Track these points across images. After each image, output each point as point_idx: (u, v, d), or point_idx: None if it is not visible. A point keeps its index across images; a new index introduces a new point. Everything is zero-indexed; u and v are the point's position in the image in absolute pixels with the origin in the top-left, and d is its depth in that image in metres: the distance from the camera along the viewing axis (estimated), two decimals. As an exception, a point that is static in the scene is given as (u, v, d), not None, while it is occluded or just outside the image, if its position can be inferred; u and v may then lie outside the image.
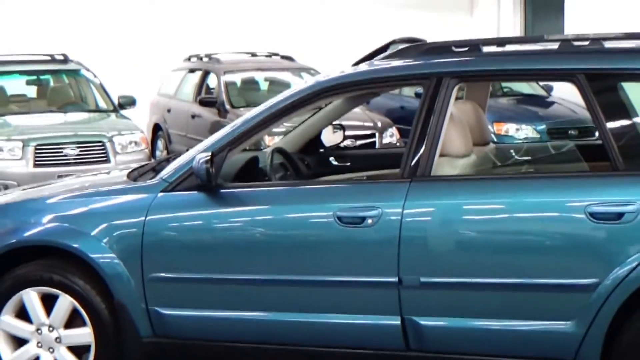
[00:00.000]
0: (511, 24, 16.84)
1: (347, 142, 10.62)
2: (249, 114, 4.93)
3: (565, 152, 5.90)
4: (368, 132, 11.44)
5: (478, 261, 4.27)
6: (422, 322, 4.31)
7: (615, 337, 4.08)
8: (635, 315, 4.03)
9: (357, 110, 11.49)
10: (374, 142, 11.40)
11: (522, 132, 11.79)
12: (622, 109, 4.43)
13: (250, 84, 13.15)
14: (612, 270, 4.00)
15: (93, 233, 4.74)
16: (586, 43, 4.59)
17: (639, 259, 3.95)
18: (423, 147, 4.41)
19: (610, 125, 4.20)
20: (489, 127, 11.72)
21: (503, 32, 16.92)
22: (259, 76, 13.32)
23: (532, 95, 13.50)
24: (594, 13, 14.78)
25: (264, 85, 13.31)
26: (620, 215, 4.01)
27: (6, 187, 9.07)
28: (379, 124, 11.66)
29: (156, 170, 5.09)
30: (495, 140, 11.57)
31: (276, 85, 12.74)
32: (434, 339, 4.34)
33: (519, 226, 4.26)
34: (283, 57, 13.75)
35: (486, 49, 4.71)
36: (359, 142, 11.05)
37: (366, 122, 11.57)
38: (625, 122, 4.35)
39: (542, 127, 11.83)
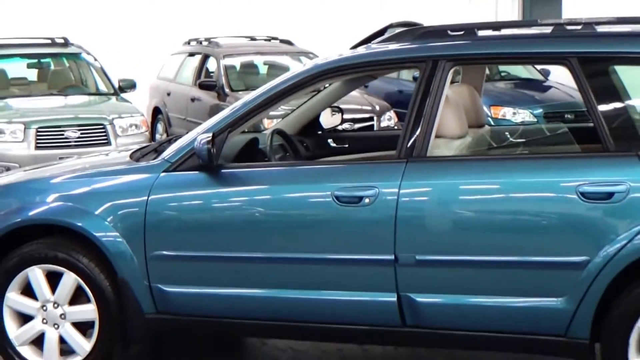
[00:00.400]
0: (509, 10, 16.82)
1: (346, 126, 10.67)
2: (249, 96, 4.95)
3: (558, 135, 5.91)
4: (366, 115, 11.47)
5: (472, 239, 4.31)
6: (418, 299, 4.36)
7: (605, 314, 4.14)
8: (624, 292, 4.08)
9: (355, 93, 11.55)
10: (372, 125, 11.42)
11: (519, 115, 11.77)
12: (613, 92, 4.46)
13: (249, 68, 13.13)
14: (602, 249, 4.05)
15: (97, 212, 4.76)
16: (579, 27, 4.61)
17: (628, 238, 4.01)
18: (419, 129, 4.44)
19: (602, 107, 4.24)
20: (486, 110, 11.80)
21: (501, 18, 16.90)
22: (258, 60, 13.28)
23: (529, 80, 13.45)
24: (591, 1, 14.83)
25: (263, 69, 13.26)
26: (610, 194, 4.06)
27: (8, 169, 9.06)
28: (377, 108, 11.68)
29: (158, 151, 5.14)
30: (491, 123, 11.67)
31: (275, 69, 12.67)
32: (429, 315, 4.38)
33: (512, 205, 4.29)
34: (282, 41, 13.71)
35: (481, 32, 4.74)
36: (357, 126, 11.08)
37: (365, 105, 11.60)
38: (616, 105, 4.39)
39: (539, 111, 11.81)
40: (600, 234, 4.09)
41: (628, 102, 4.59)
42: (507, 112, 11.87)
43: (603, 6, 14.33)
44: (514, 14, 16.86)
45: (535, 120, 11.68)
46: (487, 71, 13.07)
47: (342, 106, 6.30)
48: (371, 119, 11.42)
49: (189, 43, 14.10)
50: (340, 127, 10.16)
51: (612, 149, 4.18)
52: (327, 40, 14.73)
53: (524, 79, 13.53)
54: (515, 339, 4.34)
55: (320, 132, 6.07)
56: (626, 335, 4.11)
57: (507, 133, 6.07)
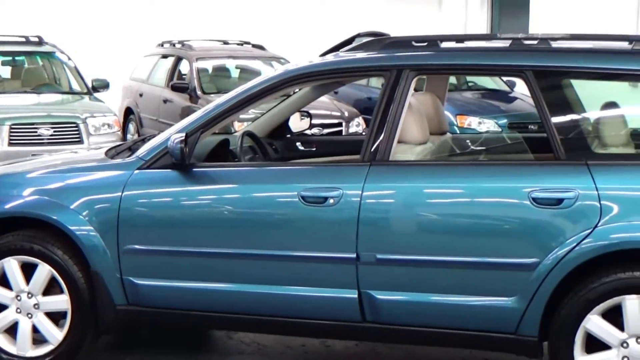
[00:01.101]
0: (478, 19, 16.95)
1: (315, 130, 10.80)
2: (221, 98, 5.04)
3: (514, 144, 6.02)
4: (335, 121, 11.56)
5: (430, 240, 4.43)
6: (378, 296, 4.47)
7: (553, 313, 4.26)
8: (570, 294, 4.21)
9: (325, 99, 11.69)
10: (341, 131, 11.54)
11: (484, 125, 11.81)
12: (566, 104, 4.57)
13: (221, 71, 13.14)
14: (552, 252, 4.18)
15: (72, 206, 4.83)
16: (535, 42, 4.74)
17: (576, 242, 4.14)
18: (382, 134, 4.56)
19: (554, 118, 4.37)
20: (452, 119, 11.94)
21: (470, 27, 16.93)
22: (230, 64, 13.28)
23: (495, 90, 13.50)
24: (558, 11, 15.04)
25: (235, 73, 13.25)
26: (560, 200, 4.20)
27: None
28: (346, 114, 11.78)
29: (132, 149, 5.19)
30: (457, 131, 11.79)
31: (247, 73, 12.66)
32: (388, 311, 4.49)
33: (468, 209, 4.42)
34: (254, 45, 13.72)
35: (444, 44, 4.86)
36: (326, 131, 11.20)
37: (334, 111, 11.71)
38: (567, 116, 4.50)
39: (504, 121, 11.85)
40: (549, 237, 4.21)
41: (579, 114, 4.72)
42: (472, 122, 11.90)
43: (569, 17, 14.59)
44: (483, 23, 16.99)
45: (500, 129, 11.79)
46: (455, 81, 13.32)
47: (312, 111, 6.41)
48: (340, 124, 11.52)
49: (162, 45, 14.08)
50: (309, 132, 10.33)
51: (563, 157, 4.31)
52: (299, 46, 14.81)
53: (490, 89, 13.59)
54: (469, 336, 4.45)
55: (289, 136, 6.14)
56: (572, 334, 4.23)
57: (467, 141, 6.15)
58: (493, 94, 13.39)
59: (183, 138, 4.67)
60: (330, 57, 5.06)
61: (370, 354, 5.52)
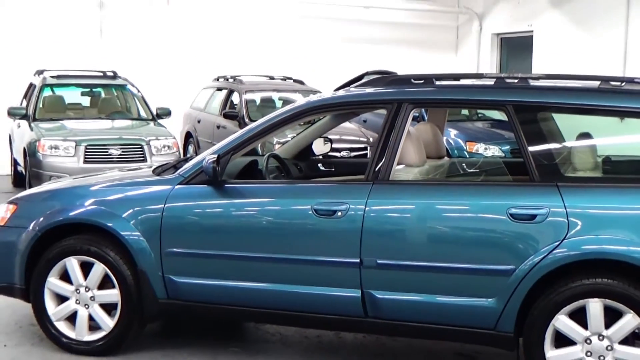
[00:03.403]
0: (489, 61, 16.91)
1: (344, 153, 10.86)
2: (250, 125, 5.08)
3: (496, 167, 6.01)
4: (362, 145, 11.55)
5: (423, 248, 4.44)
6: (378, 295, 4.49)
7: (527, 312, 4.27)
8: (542, 296, 4.22)
9: (353, 127, 11.75)
10: (366, 154, 11.56)
11: (490, 150, 11.68)
12: (540, 134, 4.57)
13: (267, 102, 13.07)
14: (526, 260, 4.19)
15: (123, 215, 4.90)
16: (515, 81, 4.76)
17: (547, 252, 4.15)
18: (384, 157, 4.58)
19: (530, 146, 4.38)
20: (462, 144, 11.88)
21: (482, 68, 16.92)
22: (275, 96, 13.23)
23: (501, 121, 13.19)
24: (556, 53, 14.97)
25: (278, 104, 13.14)
26: (533, 216, 4.20)
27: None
28: (371, 140, 11.78)
29: (176, 167, 5.25)
30: (467, 155, 11.74)
31: (288, 104, 12.61)
32: (387, 308, 4.50)
33: (456, 222, 4.44)
34: (295, 80, 13.73)
35: (438, 82, 4.87)
36: (353, 154, 11.22)
37: (361, 137, 11.68)
38: (541, 144, 4.49)
39: (507, 147, 11.61)
40: (524, 248, 4.22)
41: (552, 143, 4.73)
42: (479, 147, 11.74)
43: (564, 60, 14.50)
44: (493, 64, 16.92)
45: (503, 154, 11.72)
46: (467, 112, 13.23)
47: (342, 137, 6.34)
48: (365, 148, 11.50)
49: (217, 79, 14.11)
50: (338, 154, 10.32)
51: (537, 180, 4.31)
52: (332, 81, 14.82)
53: (497, 120, 13.49)
54: (455, 331, 4.46)
55: (312, 157, 6.14)
56: (543, 331, 4.24)
57: (461, 164, 6.12)
58: (499, 124, 13.15)
59: (215, 159, 4.73)
60: (342, 92, 5.09)
61: (375, 344, 5.51)
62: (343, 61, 15.80)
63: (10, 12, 14.23)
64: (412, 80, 4.89)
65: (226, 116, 12.43)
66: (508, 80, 4.80)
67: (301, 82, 13.76)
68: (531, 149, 4.40)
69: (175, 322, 5.86)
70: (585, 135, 4.90)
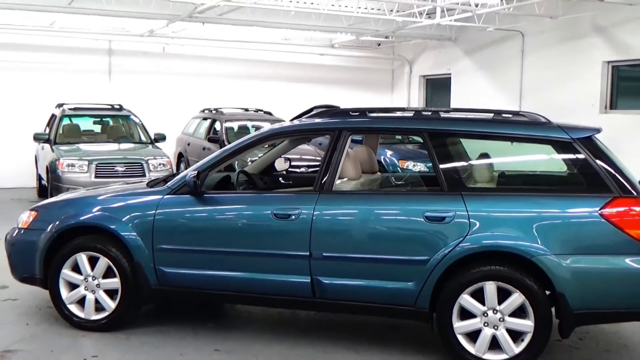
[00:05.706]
0: (417, 98, 17.08)
1: (302, 169, 10.84)
2: (225, 147, 5.04)
3: (416, 181, 6.07)
4: (317, 163, 11.50)
5: (359, 244, 4.46)
6: (324, 280, 4.51)
7: (439, 293, 4.33)
8: (449, 280, 4.29)
9: (310, 148, 11.75)
10: (320, 170, 11.49)
11: (417, 167, 11.60)
12: (449, 155, 4.62)
13: (242, 129, 12.85)
14: (438, 252, 4.26)
15: (123, 219, 4.87)
16: (430, 113, 4.84)
17: (453, 246, 4.22)
18: (328, 173, 4.62)
19: (441, 164, 4.47)
20: (395, 161, 11.91)
21: (412, 103, 17.14)
22: (249, 124, 13.08)
23: None
24: (469, 90, 15.18)
25: (252, 130, 13.09)
26: (443, 218, 4.27)
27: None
28: (325, 158, 11.76)
29: (166, 181, 5.21)
30: (399, 170, 11.76)
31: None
32: (331, 291, 4.53)
33: (384, 223, 4.46)
34: (265, 112, 13.67)
35: (371, 114, 4.91)
36: (310, 169, 11.18)
37: (316, 156, 11.69)
38: (449, 163, 4.55)
39: (430, 164, 11.70)
40: (436, 242, 4.28)
41: (458, 161, 4.76)
42: (409, 164, 11.67)
43: (473, 96, 14.72)
44: (420, 101, 17.11)
45: (427, 170, 11.73)
46: (400, 137, 13.27)
47: (300, 156, 6.28)
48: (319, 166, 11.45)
49: (203, 111, 13.97)
50: (298, 170, 10.22)
51: (446, 190, 4.38)
52: (293, 112, 14.82)
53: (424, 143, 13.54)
54: (384, 308, 4.49)
55: (274, 173, 6.11)
56: (451, 307, 4.31)
57: (392, 178, 6.17)
58: (425, 146, 13.23)
59: (196, 174, 4.72)
60: (295, 121, 5.10)
61: (325, 319, 5.51)
62: (301, 97, 15.85)
63: (37, 59, 14.13)
64: (351, 113, 4.93)
65: (210, 140, 12.35)
66: (424, 113, 4.88)
67: (269, 113, 13.72)
68: (442, 166, 4.47)
69: (165, 304, 5.81)
70: (485, 155, 4.99)
